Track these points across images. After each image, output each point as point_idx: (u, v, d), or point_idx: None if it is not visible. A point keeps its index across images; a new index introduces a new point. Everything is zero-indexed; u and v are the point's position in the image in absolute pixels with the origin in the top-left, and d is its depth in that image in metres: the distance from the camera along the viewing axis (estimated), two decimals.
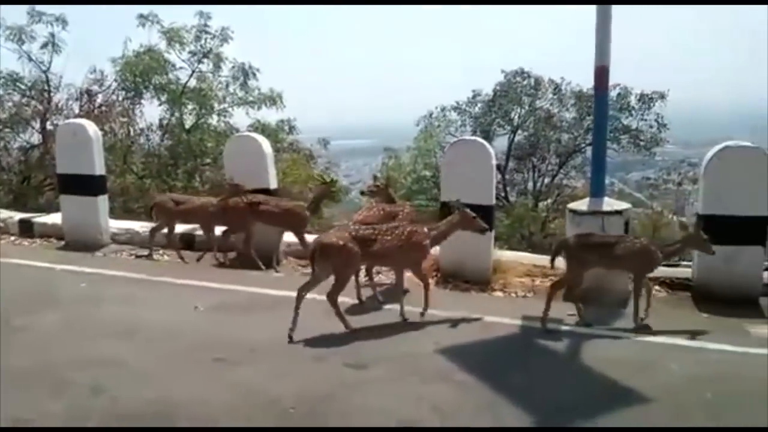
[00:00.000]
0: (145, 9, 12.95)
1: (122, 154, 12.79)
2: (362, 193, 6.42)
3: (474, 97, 19.10)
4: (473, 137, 8.18)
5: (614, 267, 4.82)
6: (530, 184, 19.02)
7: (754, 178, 5.03)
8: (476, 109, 19.25)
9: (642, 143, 17.68)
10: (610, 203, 5.41)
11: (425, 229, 4.79)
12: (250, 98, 13.27)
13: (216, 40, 13.18)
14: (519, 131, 18.89)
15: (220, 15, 14.17)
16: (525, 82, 18.31)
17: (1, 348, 4.10)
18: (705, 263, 5.25)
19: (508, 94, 18.37)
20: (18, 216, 8.12)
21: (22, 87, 12.56)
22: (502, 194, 18.47)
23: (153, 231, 6.84)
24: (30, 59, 12.58)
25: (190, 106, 13.38)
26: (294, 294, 4.55)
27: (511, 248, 8.59)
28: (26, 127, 12.65)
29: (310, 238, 6.10)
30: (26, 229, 7.84)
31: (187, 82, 13.38)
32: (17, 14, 14.16)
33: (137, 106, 13.37)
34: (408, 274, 5.87)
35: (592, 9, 5.31)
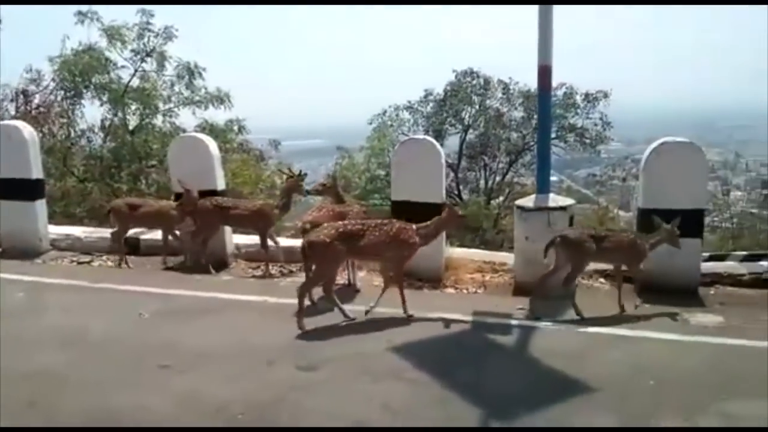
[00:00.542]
0: (83, 6, 12.47)
1: (62, 156, 12.30)
2: (308, 192, 6.32)
3: (426, 96, 19.31)
4: (423, 136, 8.22)
5: (606, 260, 5.07)
6: (482, 183, 19.35)
7: (690, 172, 5.25)
8: (428, 108, 19.46)
9: (587, 141, 18.27)
10: (555, 199, 5.53)
11: (414, 227, 4.81)
12: (197, 98, 12.96)
13: (159, 38, 12.81)
14: (470, 130, 19.19)
15: (163, 13, 13.79)
16: (474, 82, 18.63)
17: None
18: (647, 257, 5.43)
19: (458, 93, 18.64)
20: None
21: None
22: (455, 192, 18.73)
23: (114, 236, 6.58)
24: None
25: (133, 107, 12.97)
26: (243, 297, 4.48)
27: (463, 245, 8.70)
28: None
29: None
30: None
31: (129, 81, 12.98)
32: None
33: (77, 106, 12.93)
34: (361, 273, 5.93)
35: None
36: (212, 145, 6.61)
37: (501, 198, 18.47)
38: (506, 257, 6.35)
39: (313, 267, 4.71)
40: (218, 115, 13.33)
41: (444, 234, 5.80)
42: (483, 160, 19.23)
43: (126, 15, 13.02)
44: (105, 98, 12.77)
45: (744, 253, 6.73)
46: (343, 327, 4.66)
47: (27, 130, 6.96)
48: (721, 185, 17.74)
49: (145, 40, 12.78)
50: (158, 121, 13.17)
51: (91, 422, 3.29)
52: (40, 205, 7.00)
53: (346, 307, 5.10)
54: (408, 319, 4.76)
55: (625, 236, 4.95)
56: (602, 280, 5.77)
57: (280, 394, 3.59)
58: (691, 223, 5.14)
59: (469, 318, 4.81)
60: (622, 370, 3.83)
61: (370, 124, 18.83)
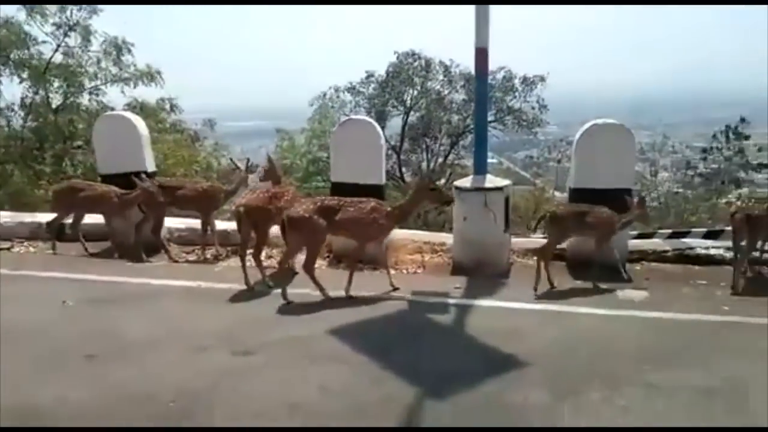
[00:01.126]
0: None
1: None
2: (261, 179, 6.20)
3: (367, 77, 19.17)
4: (361, 117, 8.14)
5: (585, 234, 5.23)
6: (424, 164, 19.47)
7: (618, 152, 5.43)
8: (370, 89, 19.35)
9: (525, 123, 18.68)
10: (491, 180, 5.61)
11: (387, 207, 4.88)
12: (125, 75, 12.32)
13: (83, 12, 12.05)
14: (412, 112, 19.24)
15: None
16: (416, 64, 18.64)
17: None
18: None
19: (400, 75, 18.61)
20: None
21: None
22: (398, 174, 18.79)
23: (51, 223, 6.22)
24: None
25: (56, 84, 12.20)
26: (175, 283, 4.32)
27: (403, 227, 8.73)
28: None
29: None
30: None
31: (51, 57, 12.18)
32: None
33: None
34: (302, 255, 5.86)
35: None
36: (140, 124, 6.31)
37: (443, 180, 18.66)
38: (446, 237, 6.42)
39: (301, 244, 4.78)
40: (149, 93, 12.77)
41: None
42: (425, 142, 19.36)
43: None
44: (25, 75, 11.96)
45: (669, 231, 7.08)
46: (282, 311, 4.59)
47: None
48: (650, 166, 18.54)
49: (68, 13, 12.01)
50: (84, 99, 12.47)
51: (10, 420, 3.09)
52: None
53: (290, 290, 5.03)
54: (348, 299, 4.75)
55: (604, 212, 5.12)
56: (536, 258, 5.91)
57: (213, 380, 3.49)
58: (620, 201, 5.32)
59: (408, 298, 4.84)
60: (554, 345, 3.95)
61: (311, 105, 18.57)
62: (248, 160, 6.41)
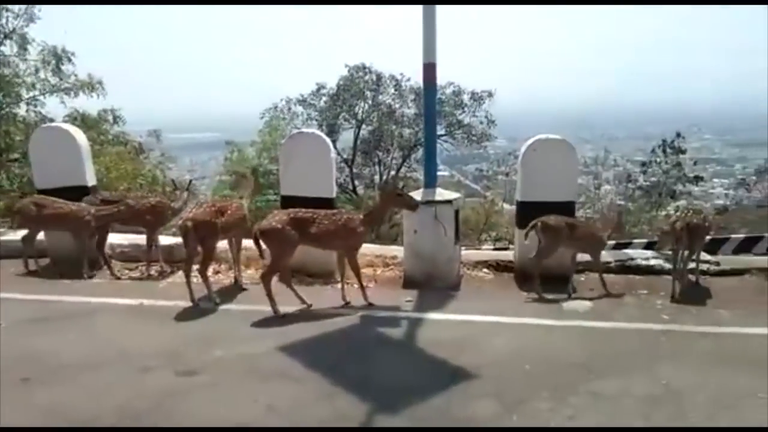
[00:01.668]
0: None
1: None
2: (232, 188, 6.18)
3: (318, 90, 19.12)
4: (311, 130, 8.10)
5: (575, 247, 5.38)
6: (377, 177, 19.52)
7: (561, 167, 5.58)
8: (321, 102, 19.30)
9: (474, 138, 19.01)
10: (441, 193, 5.66)
11: (360, 217, 4.96)
12: (65, 85, 11.81)
13: (20, 19, 11.53)
14: (364, 126, 19.28)
15: None
16: (367, 78, 18.73)
17: None
18: (524, 247, 5.73)
19: (351, 88, 18.65)
20: None
21: None
22: (350, 187, 18.78)
23: (24, 240, 5.92)
24: None
25: None
26: (117, 301, 4.17)
27: None
28: None
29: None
30: None
31: None
32: None
33: None
34: (250, 271, 5.75)
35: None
36: (80, 136, 6.08)
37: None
38: (397, 251, 6.42)
39: (271, 254, 4.76)
40: (90, 104, 12.29)
41: None
42: (377, 155, 19.42)
43: None
44: None
45: (612, 242, 7.32)
46: (229, 328, 4.48)
47: None
48: (593, 179, 19.18)
49: (3, 21, 11.46)
50: (21, 110, 11.86)
51: None
52: None
53: (231, 306, 4.95)
54: (298, 315, 4.70)
55: (593, 226, 5.36)
56: (486, 270, 6.01)
57: (156, 401, 3.37)
58: (563, 214, 5.47)
59: (358, 312, 4.81)
60: (501, 356, 3.99)
61: (262, 117, 18.37)
62: (190, 180, 6.36)
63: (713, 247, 7.42)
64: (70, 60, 11.81)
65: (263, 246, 4.73)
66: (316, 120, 19.07)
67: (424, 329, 4.50)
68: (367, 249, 6.71)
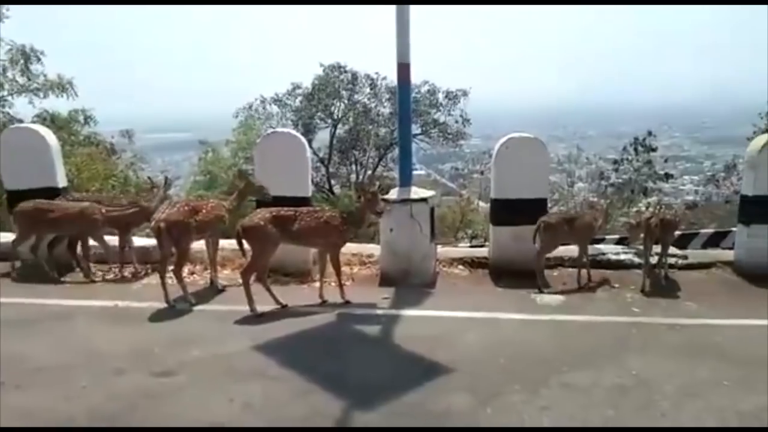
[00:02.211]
0: None
1: None
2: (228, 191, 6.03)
3: (294, 89, 19.06)
4: (286, 129, 8.07)
5: (572, 240, 5.56)
6: (353, 177, 19.53)
7: (533, 165, 5.68)
8: (297, 102, 19.24)
9: (450, 136, 19.16)
10: (416, 191, 5.71)
11: (343, 215, 5.00)
12: (34, 85, 11.59)
13: None
14: (340, 125, 19.28)
15: None
16: (342, 77, 18.72)
17: None
18: (498, 243, 5.82)
19: (326, 88, 18.63)
20: None
21: None
22: (326, 187, 18.76)
23: (14, 243, 5.72)
24: None
25: None
26: (90, 303, 4.12)
27: None
28: None
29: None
30: None
31: None
32: None
33: None
34: (226, 272, 5.73)
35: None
36: (50, 137, 5.98)
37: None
38: (374, 249, 6.46)
39: (252, 250, 4.77)
40: (61, 105, 12.07)
41: None
42: (354, 155, 19.43)
43: None
44: None
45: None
46: (205, 328, 4.46)
47: None
48: (567, 177, 19.44)
49: None
50: None
51: None
52: None
53: (207, 306, 4.93)
54: (274, 314, 4.71)
55: (590, 216, 5.58)
56: (461, 266, 6.07)
57: (131, 403, 3.34)
58: (535, 211, 5.56)
59: (335, 310, 4.83)
60: (475, 351, 4.06)
61: (236, 116, 18.23)
62: (166, 178, 6.26)
63: (683, 242, 7.63)
64: (39, 59, 11.61)
65: (245, 244, 4.72)
66: (292, 120, 19.00)
67: (400, 326, 4.54)
68: (344, 248, 6.71)
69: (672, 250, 6.01)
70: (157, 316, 4.69)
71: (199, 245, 5.45)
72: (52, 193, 5.85)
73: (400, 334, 4.38)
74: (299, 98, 19.09)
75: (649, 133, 16.52)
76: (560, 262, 6.07)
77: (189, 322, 4.60)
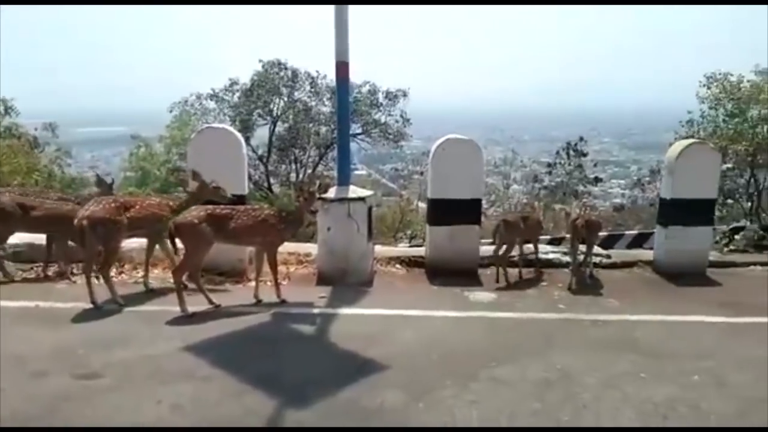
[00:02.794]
0: None
1: None
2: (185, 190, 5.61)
3: (231, 85, 18.63)
4: (221, 125, 7.91)
5: (526, 236, 5.93)
6: (293, 175, 19.32)
7: (468, 166, 5.83)
8: (235, 98, 18.82)
9: (390, 136, 19.27)
10: (354, 191, 5.74)
11: (281, 213, 4.95)
12: None
13: None
14: (279, 122, 19.01)
15: None
16: (282, 74, 18.48)
17: None
18: (434, 243, 5.93)
19: (266, 84, 18.33)
20: None
21: None
22: (265, 185, 18.46)
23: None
24: None
25: None
26: (8, 303, 3.89)
27: None
28: None
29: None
30: None
31: None
32: None
33: None
34: (156, 271, 5.55)
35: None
36: None
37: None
38: (312, 248, 6.43)
39: (184, 249, 4.70)
40: None
41: None
42: (293, 153, 19.21)
43: None
44: None
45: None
46: (133, 329, 4.32)
47: None
48: (503, 179, 20.03)
49: None
50: None
51: None
52: None
53: (136, 307, 4.78)
54: (207, 314, 4.61)
55: (538, 215, 6.03)
56: (398, 265, 6.15)
57: (51, 406, 3.20)
58: (470, 211, 5.71)
59: (270, 310, 4.79)
60: (409, 348, 4.13)
61: (171, 111, 17.66)
62: (97, 175, 5.98)
63: (610, 243, 8.04)
64: None
65: (178, 242, 4.62)
66: (230, 116, 18.58)
67: (336, 324, 4.56)
68: (282, 247, 6.65)
69: (597, 249, 6.33)
70: (82, 317, 4.50)
71: (139, 243, 5.27)
72: None
73: (336, 333, 4.39)
74: (237, 94, 18.68)
75: (581, 139, 17.27)
76: (492, 262, 6.26)
77: (116, 323, 4.44)
